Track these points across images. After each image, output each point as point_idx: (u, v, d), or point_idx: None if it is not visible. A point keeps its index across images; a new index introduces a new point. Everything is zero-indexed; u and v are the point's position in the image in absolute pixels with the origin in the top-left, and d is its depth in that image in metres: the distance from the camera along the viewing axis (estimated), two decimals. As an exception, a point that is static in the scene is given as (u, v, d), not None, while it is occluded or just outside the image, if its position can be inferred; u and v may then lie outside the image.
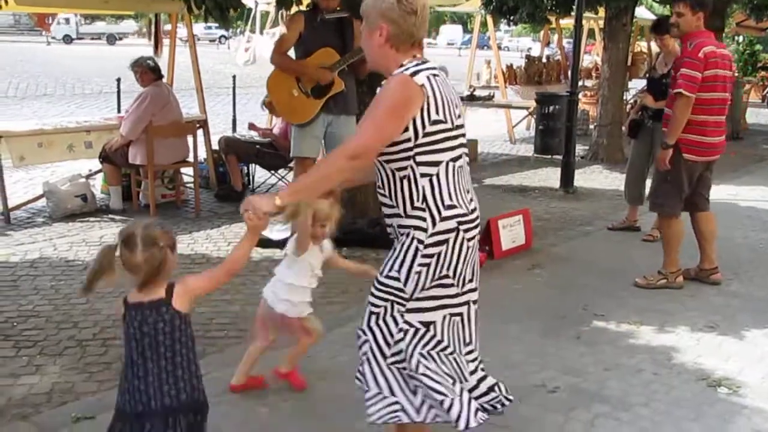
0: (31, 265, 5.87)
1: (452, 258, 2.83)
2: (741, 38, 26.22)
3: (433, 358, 2.84)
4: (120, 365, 4.12)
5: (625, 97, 12.27)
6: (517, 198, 8.49)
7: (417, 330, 2.85)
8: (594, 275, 5.81)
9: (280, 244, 6.32)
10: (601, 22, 14.91)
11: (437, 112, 2.76)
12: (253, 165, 8.60)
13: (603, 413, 3.67)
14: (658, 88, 6.50)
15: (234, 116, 13.16)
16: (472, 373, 2.99)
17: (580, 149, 10.68)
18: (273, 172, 8.46)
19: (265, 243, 6.42)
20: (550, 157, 10.86)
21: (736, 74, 21.85)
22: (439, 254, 2.80)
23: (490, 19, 12.71)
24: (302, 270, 3.71)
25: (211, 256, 6.21)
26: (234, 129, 12.44)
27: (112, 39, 49.45)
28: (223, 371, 4.05)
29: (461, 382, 2.89)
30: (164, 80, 7.71)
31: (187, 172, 8.54)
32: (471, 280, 2.95)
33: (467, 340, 2.98)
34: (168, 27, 9.18)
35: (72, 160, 8.07)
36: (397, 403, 2.89)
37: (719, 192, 8.97)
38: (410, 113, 2.73)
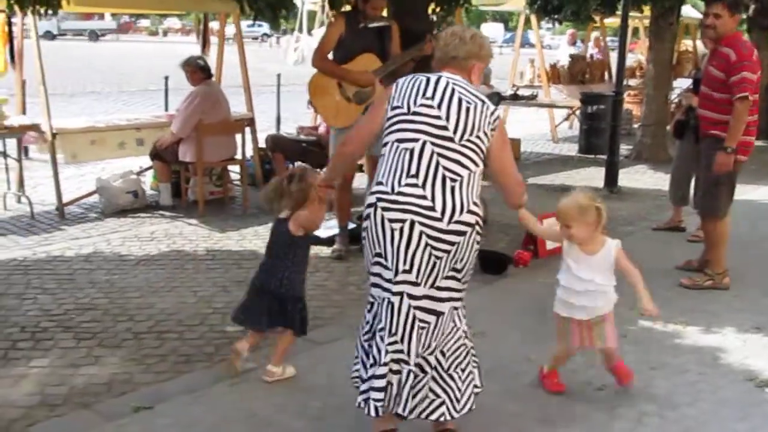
0: (86, 259, 6.05)
1: (377, 235, 3.09)
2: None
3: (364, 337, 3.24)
4: (175, 358, 4.29)
5: (669, 97, 12.15)
6: (561, 197, 8.47)
7: (371, 305, 3.21)
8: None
9: (327, 241, 6.48)
10: (645, 21, 14.86)
11: (397, 100, 3.19)
12: (299, 163, 8.72)
13: (649, 412, 3.71)
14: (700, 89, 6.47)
15: (278, 114, 13.32)
16: (386, 364, 3.08)
17: (623, 149, 10.63)
18: (318, 170, 8.56)
19: (312, 240, 6.55)
20: (593, 156, 10.83)
21: None
22: (368, 228, 3.14)
23: (533, 18, 12.70)
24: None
25: (260, 253, 6.26)
26: (278, 127, 12.59)
27: (94, 36, 48.33)
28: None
29: (372, 367, 3.14)
30: (213, 79, 7.85)
31: (234, 170, 8.71)
32: (408, 271, 3.04)
33: (392, 331, 3.08)
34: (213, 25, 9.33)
35: (124, 158, 8.25)
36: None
37: (763, 193, 8.93)
38: (379, 109, 3.31)
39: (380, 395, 3.10)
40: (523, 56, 14.85)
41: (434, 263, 3.04)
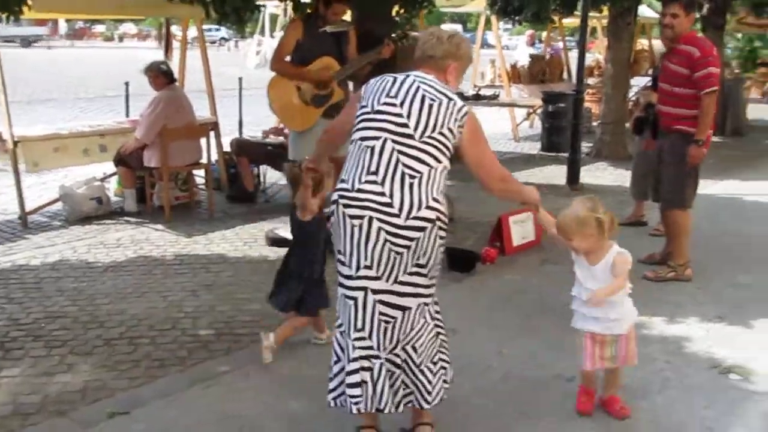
0: (52, 268, 6.00)
1: (339, 232, 3.16)
2: (740, 35, 26.34)
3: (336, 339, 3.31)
4: (148, 363, 4.28)
5: (628, 95, 12.36)
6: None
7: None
8: (604, 269, 5.93)
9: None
10: (603, 21, 15.10)
11: (364, 100, 3.26)
12: (264, 166, 8.72)
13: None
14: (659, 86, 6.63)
15: (240, 118, 13.27)
16: (357, 359, 3.15)
17: (584, 147, 10.78)
18: (284, 172, 8.57)
19: (281, 242, 6.58)
20: (555, 154, 10.99)
21: (737, 71, 22.03)
22: (333, 225, 3.20)
23: (494, 19, 12.83)
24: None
25: (228, 256, 6.33)
26: (240, 131, 12.54)
27: (26, 42, 46.86)
28: (249, 367, 4.19)
29: (342, 361, 3.23)
30: (176, 84, 7.82)
31: (199, 174, 8.68)
32: (369, 267, 3.09)
33: (358, 326, 3.15)
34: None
35: (87, 164, 8.17)
36: None
37: (724, 188, 9.15)
38: (351, 108, 3.42)
39: (357, 391, 3.15)
40: (483, 57, 15.00)
41: (395, 258, 3.08)
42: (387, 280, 3.11)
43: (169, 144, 7.32)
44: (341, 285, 3.21)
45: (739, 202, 8.49)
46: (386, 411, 3.17)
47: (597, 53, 16.67)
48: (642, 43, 17.75)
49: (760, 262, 6.21)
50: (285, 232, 6.72)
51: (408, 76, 3.29)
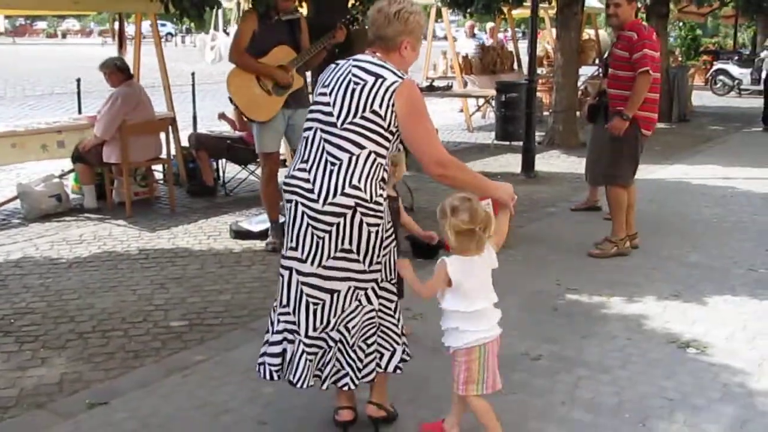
0: (16, 265, 5.97)
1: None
2: (681, 24, 26.96)
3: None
4: (123, 354, 4.33)
5: (578, 84, 12.61)
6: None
7: None
8: (563, 253, 6.13)
9: (260, 235, 6.57)
10: (551, 11, 15.36)
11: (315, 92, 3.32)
12: (224, 160, 8.74)
13: (585, 376, 3.96)
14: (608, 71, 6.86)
15: (194, 113, 13.22)
16: (279, 332, 3.30)
17: (536, 135, 11.01)
18: (243, 166, 8.62)
19: (245, 235, 6.64)
20: (509, 143, 11.19)
21: (680, 59, 22.58)
22: None
23: (444, 10, 12.97)
24: None
25: (193, 250, 6.37)
26: (195, 126, 12.50)
27: None
28: (224, 355, 4.26)
29: (269, 333, 3.36)
30: (134, 79, 7.80)
31: (157, 170, 8.68)
32: (295, 249, 3.20)
33: (283, 303, 3.28)
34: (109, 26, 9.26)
35: (46, 160, 8.11)
36: None
37: (673, 172, 9.43)
38: None
39: (275, 360, 3.31)
40: (435, 48, 15.15)
41: (318, 243, 3.14)
42: (312, 263, 3.17)
43: (128, 139, 7.31)
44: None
45: (686, 185, 8.78)
46: (300, 386, 3.24)
47: (545, 43, 16.92)
48: (588, 33, 18.08)
49: (708, 242, 6.46)
50: (249, 224, 6.80)
51: (347, 61, 3.28)
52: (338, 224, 3.10)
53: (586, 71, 15.93)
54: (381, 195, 3.16)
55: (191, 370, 4.09)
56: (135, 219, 7.34)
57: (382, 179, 3.18)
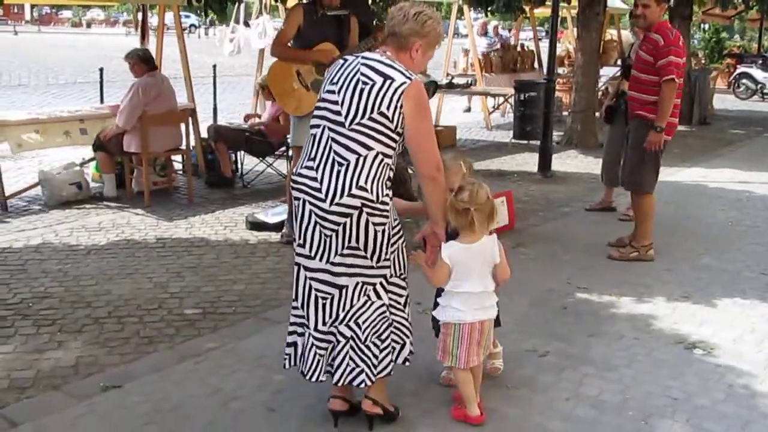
0: (35, 250, 6.08)
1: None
2: (707, 26, 26.80)
3: None
4: (137, 340, 4.42)
5: (597, 85, 12.60)
6: (497, 182, 8.79)
7: None
8: (575, 252, 6.16)
9: (276, 227, 6.65)
10: (573, 11, 15.32)
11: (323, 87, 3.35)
12: (242, 152, 8.82)
13: (590, 373, 4.00)
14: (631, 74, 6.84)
15: (215, 105, 13.34)
16: (291, 324, 3.43)
17: (555, 135, 11.01)
18: (261, 158, 8.70)
19: (261, 226, 6.72)
20: (526, 142, 11.21)
21: (703, 61, 22.44)
22: None
23: (466, 9, 12.99)
24: None
25: (210, 240, 6.46)
26: (215, 118, 12.61)
27: None
28: (236, 344, 4.33)
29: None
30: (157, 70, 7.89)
31: (177, 160, 8.78)
32: (303, 246, 3.27)
33: (294, 296, 3.37)
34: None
35: (69, 146, 8.22)
36: None
37: (690, 174, 9.42)
38: None
39: (289, 350, 3.43)
40: (455, 46, 15.18)
41: (325, 241, 3.19)
42: (320, 260, 3.22)
43: (149, 129, 7.41)
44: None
45: (703, 188, 8.77)
46: (310, 379, 3.33)
47: (567, 43, 16.90)
48: (610, 33, 18.03)
49: (722, 245, 6.47)
50: (265, 216, 6.88)
51: (356, 58, 3.31)
52: (345, 224, 3.15)
53: (608, 72, 15.90)
54: (387, 195, 3.20)
55: (203, 357, 4.17)
56: (153, 208, 7.44)
57: (388, 179, 3.21)
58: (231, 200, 7.89)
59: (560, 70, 15.63)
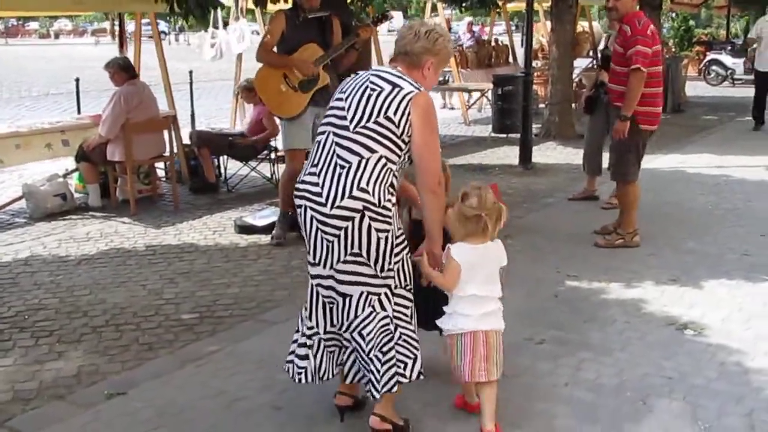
0: (25, 263, 6.07)
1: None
2: (674, 15, 27.10)
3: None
4: (137, 347, 4.45)
5: (572, 76, 12.73)
6: (479, 176, 8.88)
7: None
8: (561, 241, 6.26)
9: (265, 230, 6.68)
10: (544, 4, 15.47)
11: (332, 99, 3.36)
12: (225, 157, 8.85)
13: (587, 358, 4.09)
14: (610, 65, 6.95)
15: (192, 111, 13.32)
16: (303, 335, 3.41)
17: (533, 128, 11.14)
18: (245, 163, 8.73)
19: (250, 229, 6.76)
20: (505, 136, 11.33)
21: (674, 50, 22.71)
22: None
23: (439, 5, 13.08)
24: None
25: (199, 245, 6.48)
26: (193, 124, 12.60)
27: None
28: (235, 346, 4.38)
29: (297, 333, 3.48)
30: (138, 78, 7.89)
31: (159, 167, 8.77)
32: (308, 252, 3.28)
33: (306, 306, 3.39)
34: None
35: (51, 159, 8.21)
36: None
37: (668, 161, 9.57)
38: None
39: (302, 363, 3.39)
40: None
41: (328, 246, 3.16)
42: (324, 266, 3.21)
43: (132, 138, 7.42)
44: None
45: (681, 174, 8.92)
46: (326, 379, 3.38)
47: (540, 36, 17.04)
48: (582, 25, 18.21)
49: (703, 229, 6.59)
50: (253, 219, 6.91)
51: (367, 71, 3.34)
52: (346, 228, 3.10)
53: (581, 63, 16.06)
54: (390, 200, 3.15)
55: (205, 360, 4.20)
56: (140, 216, 7.45)
57: (392, 185, 3.16)
58: (217, 205, 7.91)
59: (534, 63, 15.75)
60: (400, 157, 3.18)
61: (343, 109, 3.23)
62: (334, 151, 3.18)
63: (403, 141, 3.17)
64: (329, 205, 3.11)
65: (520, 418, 3.51)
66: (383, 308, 3.22)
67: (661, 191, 7.97)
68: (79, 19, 63.49)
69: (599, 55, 9.98)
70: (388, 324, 3.23)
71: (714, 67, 20.95)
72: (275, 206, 6.94)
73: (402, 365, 3.28)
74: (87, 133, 7.93)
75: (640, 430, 3.41)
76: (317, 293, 3.31)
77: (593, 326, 4.52)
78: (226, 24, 10.56)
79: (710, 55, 21.65)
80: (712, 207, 7.40)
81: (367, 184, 3.10)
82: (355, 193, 3.09)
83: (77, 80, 12.13)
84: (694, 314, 4.67)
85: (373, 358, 3.23)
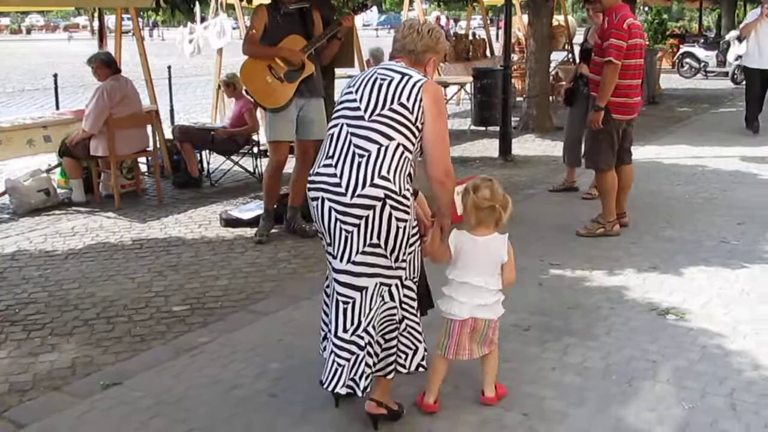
0: (12, 258, 6.09)
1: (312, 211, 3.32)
2: (648, 8, 27.37)
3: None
4: (129, 339, 4.50)
5: (550, 69, 12.84)
6: (460, 168, 8.98)
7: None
8: (544, 231, 6.37)
9: (250, 223, 6.74)
10: (521, -2, 15.59)
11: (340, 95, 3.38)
12: (207, 151, 8.87)
13: (573, 343, 4.20)
14: (591, 57, 7.07)
15: (171, 106, 13.32)
16: (325, 339, 3.41)
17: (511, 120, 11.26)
18: (227, 156, 8.77)
19: (235, 223, 6.81)
20: (485, 129, 11.44)
21: (647, 43, 22.95)
22: None
23: (417, 1, 13.15)
24: None
25: (186, 238, 6.53)
26: (172, 119, 12.61)
27: None
28: (227, 336, 4.44)
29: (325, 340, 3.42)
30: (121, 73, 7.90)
31: (142, 161, 8.79)
32: (330, 245, 3.25)
33: (328, 303, 3.39)
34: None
35: (32, 155, 8.19)
36: None
37: (645, 152, 9.71)
38: None
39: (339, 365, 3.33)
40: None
41: (346, 238, 3.15)
42: (341, 260, 3.20)
43: (115, 133, 7.44)
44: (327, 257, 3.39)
45: (659, 165, 9.06)
46: (327, 388, 3.29)
47: (516, 30, 17.14)
48: (558, 19, 18.36)
49: (682, 218, 6.74)
50: (238, 212, 6.96)
51: (376, 69, 3.37)
52: (367, 217, 3.11)
53: (557, 57, 16.21)
54: (408, 190, 3.19)
55: (198, 350, 4.26)
56: (124, 211, 7.47)
57: (409, 174, 3.21)
58: (201, 199, 7.95)
59: (511, 57, 15.88)
60: (414, 145, 3.22)
61: (354, 101, 3.26)
62: (350, 142, 3.20)
63: (417, 128, 3.21)
64: (349, 194, 3.12)
65: (509, 402, 3.60)
66: (392, 299, 3.27)
67: (640, 181, 8.06)
68: (51, 15, 62.88)
69: (576, 48, 10.11)
70: (394, 314, 3.29)
71: (687, 60, 21.20)
72: (260, 199, 6.98)
73: (403, 356, 3.37)
74: (69, 128, 7.93)
75: (627, 411, 3.52)
76: (334, 289, 3.27)
77: (577, 312, 4.63)
78: (203, 19, 10.55)
79: (683, 48, 21.90)
80: (690, 196, 7.56)
81: (388, 172, 3.12)
82: (377, 180, 3.11)
83: (55, 76, 12.15)
84: (675, 300, 4.80)
85: (374, 344, 3.28)
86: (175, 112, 13.19)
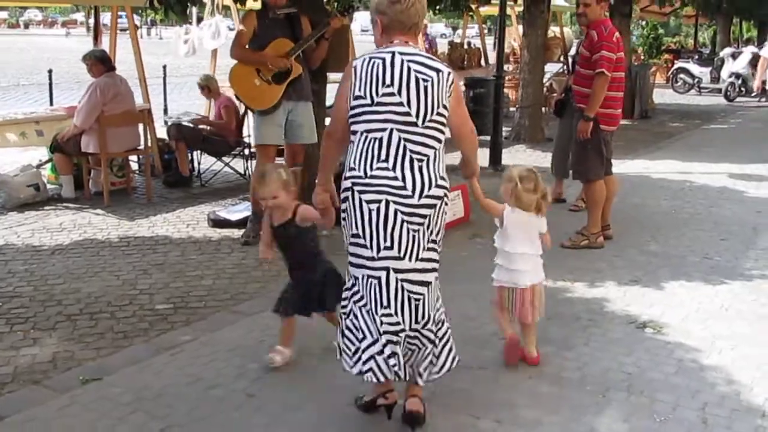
0: (-2, 252, 6.12)
1: (356, 217, 3.28)
2: (644, 23, 27.54)
3: (356, 314, 3.38)
4: (112, 335, 4.52)
5: (543, 81, 12.93)
6: (450, 177, 8.96)
7: (353, 281, 3.40)
8: (529, 242, 6.40)
9: (238, 224, 6.76)
10: (517, 9, 15.68)
11: (359, 90, 3.28)
12: (198, 151, 8.91)
13: (550, 352, 4.25)
14: (576, 69, 7.14)
15: (165, 105, 13.36)
16: (385, 333, 3.30)
17: (503, 130, 11.31)
18: (218, 158, 8.80)
19: (223, 223, 6.84)
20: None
21: (642, 57, 23.09)
22: (346, 210, 3.35)
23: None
24: None
25: (173, 237, 6.56)
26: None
27: None
28: (210, 336, 4.47)
29: (371, 337, 3.33)
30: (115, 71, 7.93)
31: (133, 160, 8.82)
32: (390, 248, 3.25)
33: (384, 303, 3.30)
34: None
35: (25, 147, 8.21)
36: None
37: (635, 166, 9.79)
38: (344, 90, 3.37)
39: (393, 361, 3.31)
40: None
41: (413, 237, 3.24)
42: (410, 259, 3.27)
43: (107, 130, 7.46)
44: (357, 266, 3.36)
45: (646, 179, 9.14)
46: (404, 378, 3.39)
47: (511, 40, 17.25)
48: (553, 30, 18.46)
49: (667, 232, 6.80)
50: (227, 213, 6.99)
51: (394, 56, 3.27)
52: (429, 216, 3.27)
53: (552, 68, 16.29)
54: None
55: (179, 348, 4.30)
56: (113, 208, 7.50)
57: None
58: (190, 199, 7.98)
59: (506, 67, 15.97)
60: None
61: (401, 104, 3.23)
62: (405, 147, 3.24)
63: (446, 124, 3.37)
64: (417, 196, 3.23)
65: (484, 409, 3.64)
66: (438, 289, 3.46)
67: (628, 195, 8.16)
68: (49, 10, 62.81)
69: (570, 60, 10.18)
70: (442, 305, 3.49)
71: (681, 75, 21.33)
72: (248, 201, 7.01)
73: (449, 340, 3.54)
74: (62, 124, 7.96)
75: (600, 421, 3.56)
76: (402, 288, 3.29)
77: (557, 322, 4.67)
78: (199, 20, 10.60)
79: (678, 64, 22.04)
80: (676, 211, 7.62)
81: (444, 173, 3.36)
82: (440, 182, 3.32)
83: (50, 72, 12.16)
84: (654, 313, 4.85)
85: (435, 340, 3.42)
86: (169, 111, 13.21)
